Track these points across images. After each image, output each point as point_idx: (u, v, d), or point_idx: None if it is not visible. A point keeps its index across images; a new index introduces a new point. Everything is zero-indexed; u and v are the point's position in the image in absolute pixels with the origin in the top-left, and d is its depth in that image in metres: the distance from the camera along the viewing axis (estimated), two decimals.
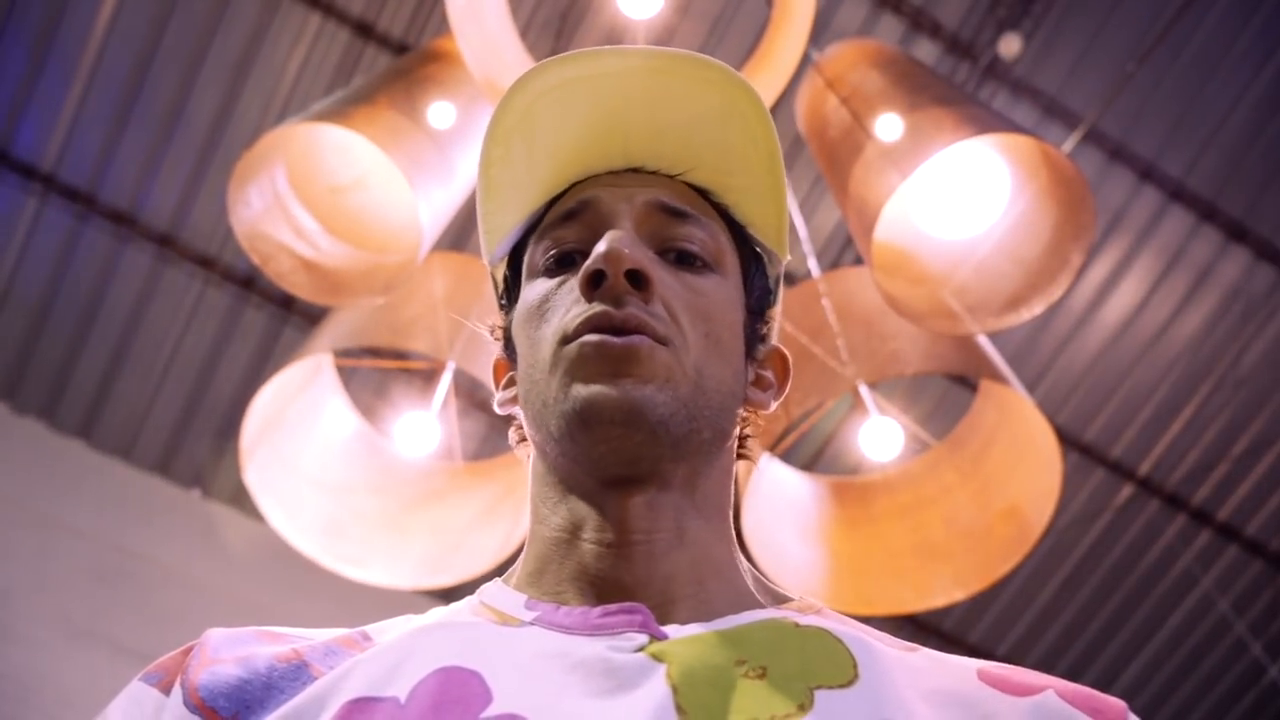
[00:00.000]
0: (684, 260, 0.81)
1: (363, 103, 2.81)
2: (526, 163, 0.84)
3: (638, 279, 0.76)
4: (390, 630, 0.75)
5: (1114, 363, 5.01)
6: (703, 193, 0.86)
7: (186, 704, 0.69)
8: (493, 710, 0.64)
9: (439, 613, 0.77)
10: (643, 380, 0.73)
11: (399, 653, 0.70)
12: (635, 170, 0.86)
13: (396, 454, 3.15)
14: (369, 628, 0.76)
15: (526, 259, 0.85)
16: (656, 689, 0.65)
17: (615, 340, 0.74)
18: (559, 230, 0.83)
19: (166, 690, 0.71)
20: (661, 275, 0.79)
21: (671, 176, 0.86)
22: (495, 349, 0.90)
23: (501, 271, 0.90)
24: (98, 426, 5.28)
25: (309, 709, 0.67)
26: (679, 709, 0.63)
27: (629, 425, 0.73)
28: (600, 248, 0.76)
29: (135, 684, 0.73)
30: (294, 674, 0.71)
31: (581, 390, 0.73)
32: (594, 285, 0.76)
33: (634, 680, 0.66)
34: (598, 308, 0.75)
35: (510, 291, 0.88)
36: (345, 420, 3.17)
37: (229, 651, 0.72)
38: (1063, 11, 4.43)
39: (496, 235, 0.87)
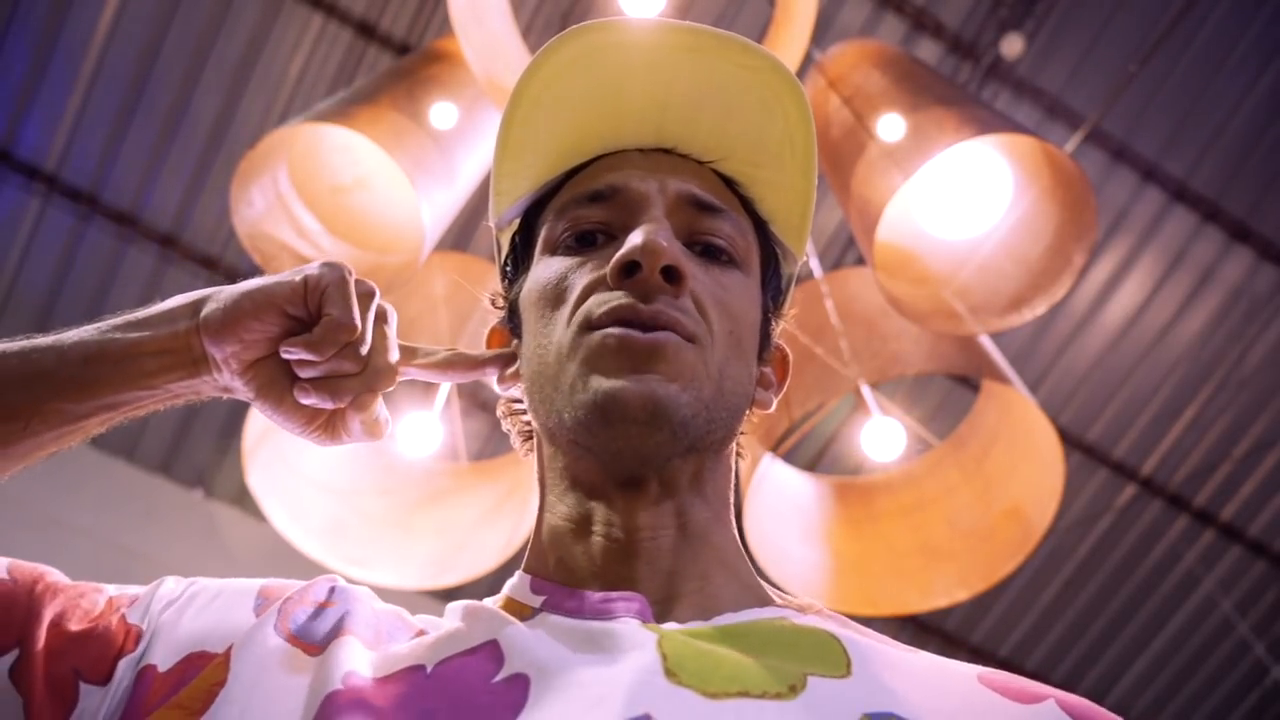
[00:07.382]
0: (710, 254, 0.79)
1: (365, 103, 2.81)
2: (550, 127, 0.82)
3: (671, 274, 0.74)
4: (437, 624, 0.77)
5: (1116, 363, 5.01)
6: (728, 182, 0.83)
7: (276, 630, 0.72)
8: (503, 674, 0.66)
9: (475, 604, 0.79)
10: (668, 378, 0.71)
11: (437, 635, 0.72)
12: (664, 151, 0.82)
13: (400, 454, 3.15)
14: (418, 619, 0.78)
15: (544, 232, 0.82)
16: (647, 653, 0.66)
17: (641, 336, 0.72)
18: (583, 209, 0.80)
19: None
20: (693, 270, 0.76)
21: (702, 163, 0.83)
22: (492, 317, 0.87)
23: (509, 236, 0.87)
24: None
25: (354, 658, 0.69)
26: (668, 672, 0.64)
27: (651, 424, 0.71)
28: (637, 239, 0.74)
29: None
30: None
31: (603, 383, 0.71)
32: (626, 275, 0.73)
33: (624, 647, 0.67)
34: (625, 300, 0.73)
35: (518, 259, 0.85)
36: None
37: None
38: (1065, 11, 4.42)
39: (508, 198, 0.85)
